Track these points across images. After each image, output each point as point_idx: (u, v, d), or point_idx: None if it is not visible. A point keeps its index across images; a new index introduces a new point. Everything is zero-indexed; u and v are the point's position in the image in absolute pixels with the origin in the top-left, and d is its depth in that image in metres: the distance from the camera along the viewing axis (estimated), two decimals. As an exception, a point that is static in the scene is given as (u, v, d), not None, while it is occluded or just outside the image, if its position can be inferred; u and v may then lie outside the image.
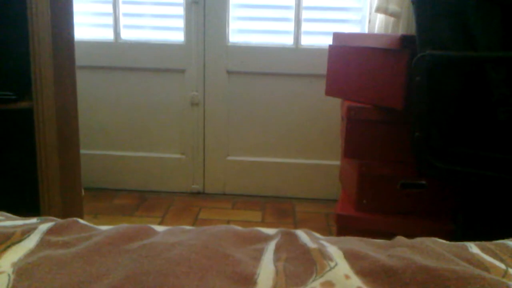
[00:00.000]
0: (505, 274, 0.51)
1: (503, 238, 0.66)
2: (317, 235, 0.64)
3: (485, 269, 0.52)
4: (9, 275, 0.48)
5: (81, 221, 0.65)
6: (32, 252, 0.53)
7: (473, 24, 1.17)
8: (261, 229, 0.63)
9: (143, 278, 0.46)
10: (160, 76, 2.33)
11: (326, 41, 2.19)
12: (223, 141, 2.37)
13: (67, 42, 1.56)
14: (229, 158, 2.39)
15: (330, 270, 0.49)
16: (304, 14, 2.24)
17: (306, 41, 2.26)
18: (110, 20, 2.29)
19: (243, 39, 2.29)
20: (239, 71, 2.29)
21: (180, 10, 2.27)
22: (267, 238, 0.59)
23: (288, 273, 0.49)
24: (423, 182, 1.64)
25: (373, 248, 0.57)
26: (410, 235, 0.67)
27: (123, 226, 0.61)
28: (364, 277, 0.49)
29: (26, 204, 1.52)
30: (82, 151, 1.71)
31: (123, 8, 2.29)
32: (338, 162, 2.24)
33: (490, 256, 0.55)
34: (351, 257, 0.52)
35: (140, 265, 0.49)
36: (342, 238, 0.63)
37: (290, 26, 2.25)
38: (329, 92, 1.85)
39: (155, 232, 0.60)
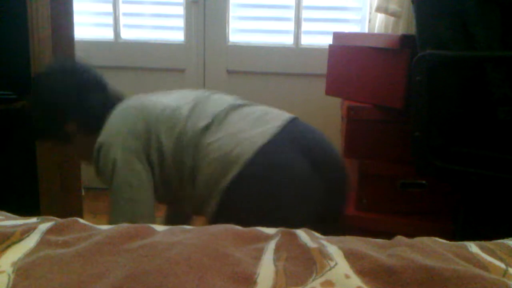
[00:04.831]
0: (505, 273, 0.51)
1: (503, 238, 0.66)
2: (317, 234, 0.63)
3: (485, 268, 0.52)
4: (9, 274, 0.48)
5: (81, 220, 0.65)
6: (32, 252, 0.53)
7: (473, 24, 1.17)
8: (261, 228, 0.63)
9: (143, 278, 0.46)
10: (160, 75, 2.33)
11: (326, 41, 2.18)
12: (223, 141, 2.37)
13: (67, 42, 1.56)
14: (229, 158, 2.39)
15: (330, 269, 0.49)
16: (304, 14, 2.24)
17: (306, 40, 2.26)
18: (110, 20, 2.28)
19: (243, 38, 2.29)
20: (239, 70, 2.29)
21: (180, 10, 2.27)
22: (267, 238, 0.59)
23: (288, 272, 0.49)
24: (423, 182, 1.64)
25: (373, 248, 0.57)
26: (410, 235, 0.67)
27: (123, 225, 0.61)
28: (364, 276, 0.49)
29: (26, 204, 1.52)
30: (82, 151, 1.70)
31: (123, 8, 2.29)
32: (338, 162, 2.24)
33: (490, 255, 0.55)
34: (351, 256, 0.52)
35: (140, 264, 0.49)
36: (342, 237, 0.63)
37: (290, 26, 2.25)
38: (329, 91, 1.85)
39: (155, 232, 0.60)
